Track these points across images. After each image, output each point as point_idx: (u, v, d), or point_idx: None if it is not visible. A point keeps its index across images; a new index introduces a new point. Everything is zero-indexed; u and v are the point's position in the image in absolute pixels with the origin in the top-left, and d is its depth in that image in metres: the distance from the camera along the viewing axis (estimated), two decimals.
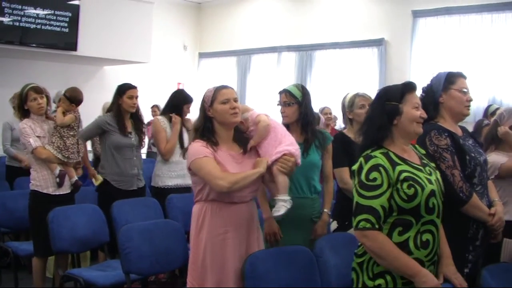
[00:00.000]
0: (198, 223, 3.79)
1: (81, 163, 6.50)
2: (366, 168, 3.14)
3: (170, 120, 6.36)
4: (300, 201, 4.60)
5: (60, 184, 5.66)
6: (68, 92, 5.95)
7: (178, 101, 6.47)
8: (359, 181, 3.14)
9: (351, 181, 3.33)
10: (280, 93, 4.75)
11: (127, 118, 6.20)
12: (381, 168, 3.11)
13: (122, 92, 6.13)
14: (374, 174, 3.10)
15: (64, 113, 5.80)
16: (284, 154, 3.82)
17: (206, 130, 3.81)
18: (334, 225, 4.86)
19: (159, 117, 6.51)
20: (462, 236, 3.69)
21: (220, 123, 3.83)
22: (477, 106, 9.99)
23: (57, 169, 5.65)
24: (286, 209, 3.77)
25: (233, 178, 3.63)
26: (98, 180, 6.14)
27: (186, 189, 6.22)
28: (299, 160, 3.93)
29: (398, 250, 3.07)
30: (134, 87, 6.21)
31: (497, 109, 8.31)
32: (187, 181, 6.17)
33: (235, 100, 3.84)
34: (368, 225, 3.04)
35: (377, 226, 3.05)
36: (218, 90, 3.85)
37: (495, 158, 4.73)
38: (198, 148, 3.72)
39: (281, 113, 4.74)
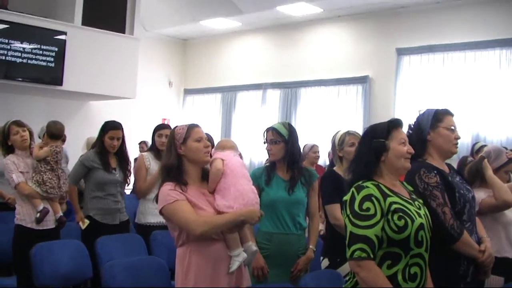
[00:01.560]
0: (184, 266, 3.70)
1: (65, 198, 6.45)
2: (358, 198, 3.15)
3: (155, 156, 6.33)
4: (286, 237, 4.66)
5: (38, 221, 5.61)
6: (48, 126, 5.95)
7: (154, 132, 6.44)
8: (352, 211, 3.15)
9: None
10: (267, 130, 4.79)
11: (111, 154, 6.15)
12: (373, 198, 3.13)
13: (106, 131, 6.09)
14: (367, 204, 3.12)
15: (41, 148, 5.78)
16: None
17: (177, 169, 3.74)
18: (325, 262, 4.82)
19: (144, 154, 6.48)
20: (453, 274, 3.68)
21: (191, 161, 3.78)
22: (461, 142, 10.01)
23: (41, 205, 5.62)
24: (239, 263, 3.70)
25: (209, 223, 3.58)
26: (84, 224, 6.05)
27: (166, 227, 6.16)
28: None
29: (390, 285, 3.07)
30: (118, 128, 6.12)
31: (483, 146, 8.38)
32: None
33: (206, 139, 3.85)
34: (364, 255, 3.03)
35: (372, 256, 3.05)
36: (191, 128, 3.81)
37: (477, 194, 4.75)
38: (168, 192, 3.65)
39: (268, 150, 4.79)
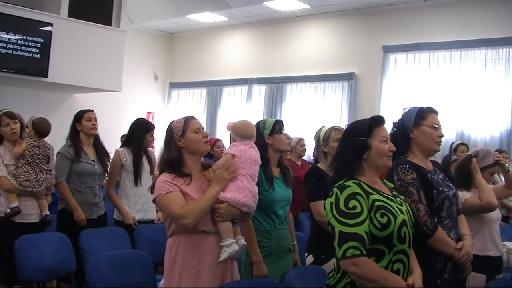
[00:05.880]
0: (171, 256, 3.73)
1: (50, 190, 6.41)
2: (343, 197, 3.16)
3: (132, 151, 6.27)
4: (281, 232, 4.67)
5: (7, 217, 5.57)
6: (35, 122, 5.90)
7: (139, 131, 6.34)
8: (338, 211, 3.15)
9: None
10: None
11: (88, 146, 6.14)
12: (358, 196, 3.15)
13: (80, 117, 6.08)
14: (353, 202, 3.13)
15: (20, 145, 5.74)
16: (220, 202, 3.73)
17: (177, 162, 3.77)
18: (310, 259, 4.83)
19: (120, 149, 6.37)
20: (430, 269, 3.68)
21: (191, 152, 3.81)
22: (446, 140, 10.07)
23: (15, 203, 5.58)
24: (228, 254, 3.70)
25: (194, 212, 3.58)
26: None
27: (147, 223, 6.15)
28: (245, 208, 3.81)
29: (384, 270, 3.12)
30: (91, 110, 6.16)
31: (459, 144, 8.55)
32: (149, 215, 6.22)
33: (203, 129, 3.90)
34: (357, 252, 3.04)
35: (364, 252, 3.06)
36: (188, 120, 3.86)
37: (461, 194, 4.79)
38: (162, 183, 3.68)
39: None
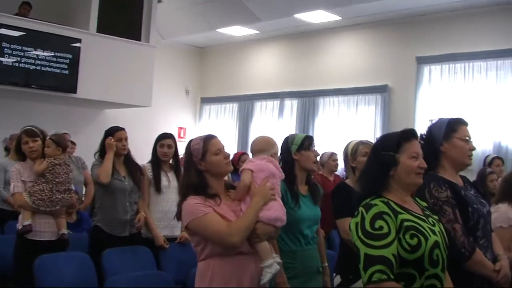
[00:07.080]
0: (206, 282, 3.53)
1: (74, 207, 6.31)
2: (368, 217, 2.95)
3: (154, 168, 6.18)
4: (308, 252, 4.55)
5: (19, 233, 5.47)
6: (54, 136, 5.81)
7: (154, 144, 6.26)
8: (363, 232, 2.93)
9: None
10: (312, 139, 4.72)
11: (119, 163, 5.99)
12: (385, 216, 2.93)
13: (110, 135, 5.93)
14: (379, 223, 2.91)
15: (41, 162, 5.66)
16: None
17: (200, 185, 3.60)
18: (337, 279, 4.65)
19: (146, 165, 6.27)
20: None
21: (214, 174, 3.65)
22: (482, 151, 9.82)
23: (28, 221, 5.44)
24: (271, 275, 3.52)
25: (241, 229, 3.44)
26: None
27: (172, 240, 6.03)
28: (279, 223, 3.66)
29: None
30: (122, 129, 6.04)
31: (494, 158, 8.34)
32: (175, 232, 6.06)
33: (224, 149, 3.72)
34: (384, 277, 2.81)
35: (392, 277, 2.83)
36: (207, 141, 3.67)
37: (503, 207, 4.56)
38: (195, 206, 3.49)
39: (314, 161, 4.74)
